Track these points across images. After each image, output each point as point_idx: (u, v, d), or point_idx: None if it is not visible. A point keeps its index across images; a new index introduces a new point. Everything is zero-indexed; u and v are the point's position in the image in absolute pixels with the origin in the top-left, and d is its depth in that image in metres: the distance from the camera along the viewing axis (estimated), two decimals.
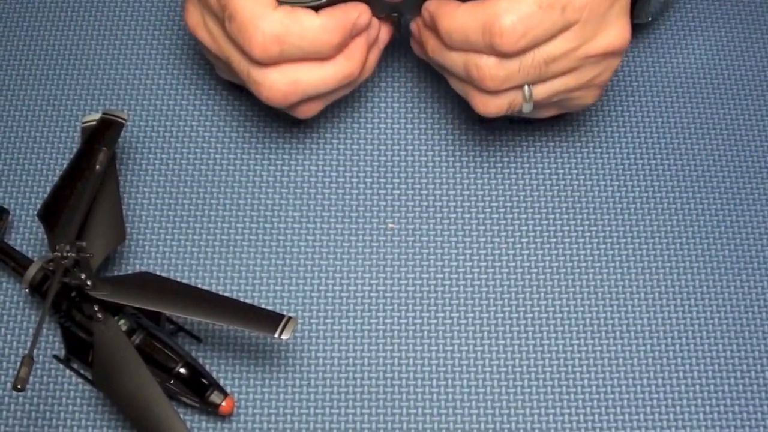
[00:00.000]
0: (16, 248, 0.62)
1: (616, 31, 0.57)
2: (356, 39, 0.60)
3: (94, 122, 0.62)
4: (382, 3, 0.60)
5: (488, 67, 0.57)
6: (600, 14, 0.56)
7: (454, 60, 0.58)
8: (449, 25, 0.57)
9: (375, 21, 0.60)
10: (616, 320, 0.63)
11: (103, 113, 0.62)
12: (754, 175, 0.67)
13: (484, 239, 0.65)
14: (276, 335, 0.55)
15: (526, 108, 0.59)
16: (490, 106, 0.59)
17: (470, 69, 0.57)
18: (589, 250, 0.65)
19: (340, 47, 0.59)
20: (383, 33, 0.62)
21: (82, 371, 0.59)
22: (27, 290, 0.59)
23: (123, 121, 0.61)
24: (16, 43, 0.70)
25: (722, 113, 0.69)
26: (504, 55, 0.56)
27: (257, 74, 0.58)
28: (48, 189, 0.62)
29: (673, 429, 0.60)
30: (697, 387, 0.61)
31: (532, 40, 0.55)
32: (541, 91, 0.58)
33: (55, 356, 0.60)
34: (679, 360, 0.62)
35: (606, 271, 0.64)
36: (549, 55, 0.56)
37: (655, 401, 0.61)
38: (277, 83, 0.58)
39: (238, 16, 0.56)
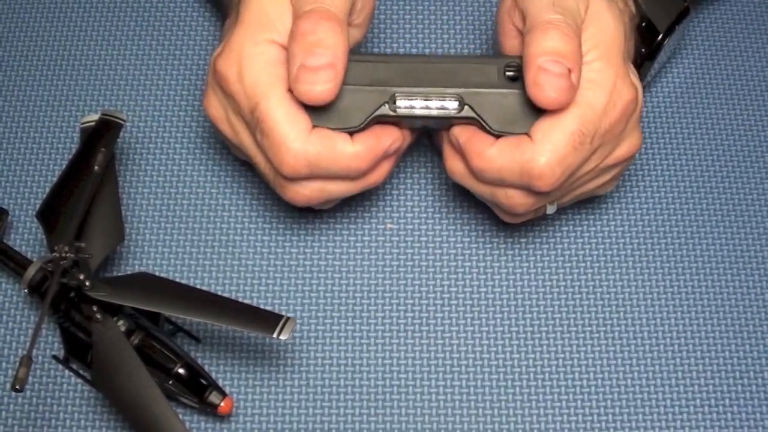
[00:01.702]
0: (16, 248, 0.62)
1: (630, 143, 0.60)
2: (385, 161, 0.60)
3: (93, 123, 0.62)
4: (413, 123, 0.58)
5: (519, 196, 0.58)
6: (617, 135, 0.58)
7: (483, 190, 0.59)
8: (482, 165, 0.57)
9: (403, 136, 0.59)
10: (615, 320, 0.63)
11: (102, 114, 0.62)
12: (752, 176, 0.68)
13: (483, 239, 0.65)
14: (274, 336, 0.55)
15: (550, 210, 0.61)
16: (515, 221, 0.62)
17: (499, 198, 0.58)
18: (588, 250, 0.65)
19: (370, 170, 0.59)
20: (407, 141, 0.60)
21: (81, 372, 0.59)
22: (26, 291, 0.59)
23: (122, 122, 0.61)
24: (15, 43, 0.70)
25: (720, 114, 0.69)
26: (541, 193, 0.57)
27: (283, 182, 0.58)
28: (47, 189, 0.63)
29: (671, 429, 0.60)
30: (696, 387, 0.61)
31: (567, 176, 0.57)
32: (564, 200, 0.61)
33: (55, 357, 0.60)
34: (678, 360, 0.62)
35: (605, 270, 0.64)
36: (575, 177, 0.58)
37: (654, 401, 0.61)
38: (302, 191, 0.58)
39: (272, 134, 0.56)
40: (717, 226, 0.66)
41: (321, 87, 0.55)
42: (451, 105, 0.56)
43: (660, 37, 0.64)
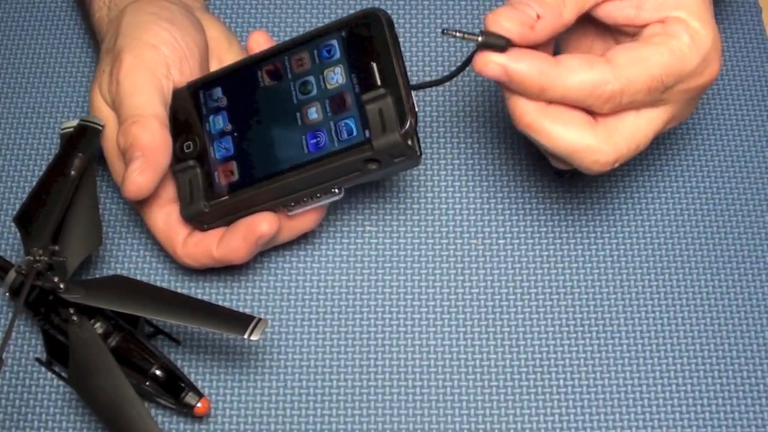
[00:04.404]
0: None
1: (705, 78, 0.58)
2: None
3: (73, 128, 0.63)
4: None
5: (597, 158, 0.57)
6: (690, 97, 0.58)
7: (543, 125, 0.56)
8: (558, 81, 0.55)
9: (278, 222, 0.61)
10: (606, 320, 0.63)
11: (81, 120, 0.63)
12: (755, 179, 0.67)
13: (460, 241, 0.65)
14: (245, 336, 0.55)
15: None
16: (561, 166, 0.60)
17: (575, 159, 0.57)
18: (579, 251, 0.65)
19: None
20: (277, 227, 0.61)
21: (63, 374, 0.60)
22: (7, 294, 0.60)
23: (100, 128, 0.62)
24: None
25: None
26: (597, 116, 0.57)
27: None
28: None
29: (663, 429, 0.60)
30: (697, 392, 0.61)
31: (627, 109, 0.57)
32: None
33: (38, 359, 0.60)
34: (679, 365, 0.62)
35: (608, 274, 0.64)
36: (646, 139, 0.58)
37: (647, 400, 0.61)
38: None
39: (155, 232, 0.62)
40: (722, 228, 0.66)
41: (137, 177, 0.58)
42: (336, 191, 0.59)
43: None
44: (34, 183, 0.65)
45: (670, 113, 0.58)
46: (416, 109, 0.56)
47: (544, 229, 0.65)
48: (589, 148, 0.56)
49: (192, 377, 0.61)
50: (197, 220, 0.60)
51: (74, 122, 0.63)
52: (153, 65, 0.61)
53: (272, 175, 0.58)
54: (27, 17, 0.72)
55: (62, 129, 0.63)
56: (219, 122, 0.61)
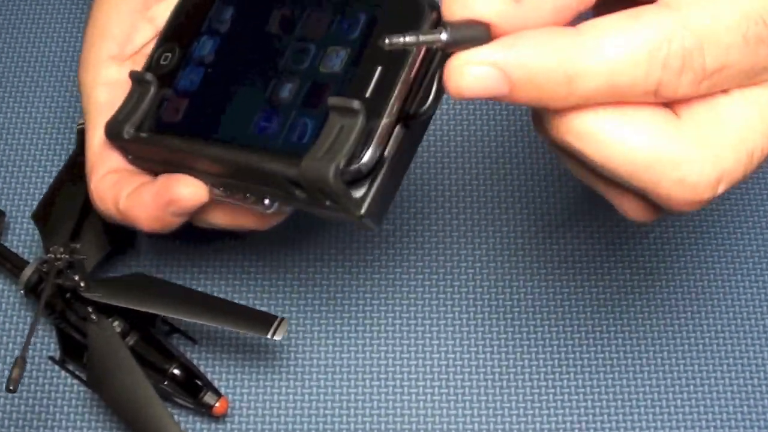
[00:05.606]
0: (12, 250, 0.62)
1: None
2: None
3: None
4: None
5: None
6: None
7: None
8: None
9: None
10: (606, 317, 0.63)
11: None
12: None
13: (479, 239, 0.65)
14: (269, 336, 0.55)
15: None
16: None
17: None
18: (575, 245, 0.65)
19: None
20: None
21: (77, 373, 0.59)
22: (22, 292, 0.59)
23: None
24: (12, 44, 0.70)
25: None
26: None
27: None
28: (44, 191, 0.63)
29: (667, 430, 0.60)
30: (691, 387, 0.61)
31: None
32: None
33: (51, 358, 0.60)
34: (673, 360, 0.62)
35: (602, 268, 0.64)
36: (764, 140, 0.36)
37: (648, 402, 0.61)
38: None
39: (88, 147, 0.54)
40: (716, 222, 0.66)
41: None
42: (266, 202, 0.47)
43: None
44: (49, 179, 0.65)
45: None
46: (386, 156, 0.42)
47: (549, 214, 0.65)
48: (670, 160, 0.34)
49: (208, 377, 0.60)
50: (115, 142, 0.51)
51: None
52: None
53: (205, 138, 0.47)
54: (39, 11, 0.72)
55: (79, 125, 0.63)
56: (206, 48, 0.50)
